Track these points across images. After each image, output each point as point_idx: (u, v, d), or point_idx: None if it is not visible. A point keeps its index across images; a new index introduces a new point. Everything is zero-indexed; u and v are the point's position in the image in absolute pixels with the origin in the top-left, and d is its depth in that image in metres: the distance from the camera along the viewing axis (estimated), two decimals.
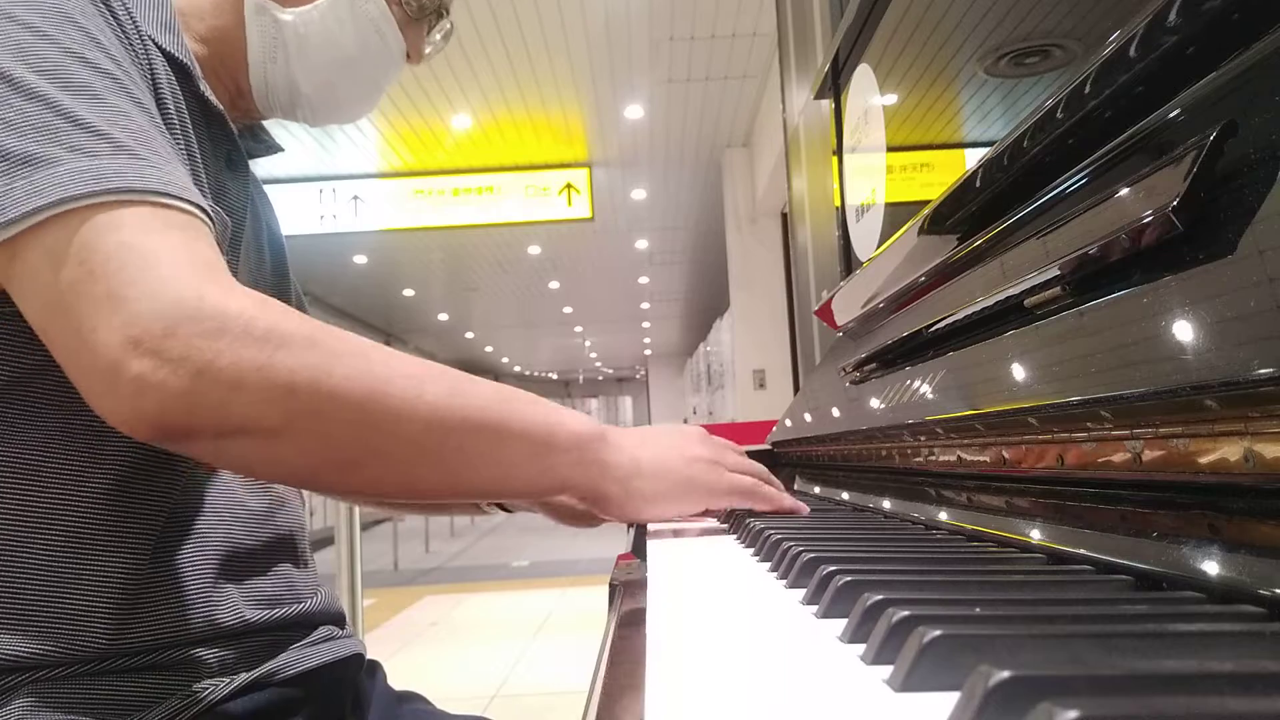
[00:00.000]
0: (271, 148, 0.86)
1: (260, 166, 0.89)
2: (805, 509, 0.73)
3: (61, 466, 0.59)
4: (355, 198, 7.46)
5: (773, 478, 0.74)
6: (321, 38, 0.76)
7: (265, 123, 0.85)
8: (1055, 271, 0.50)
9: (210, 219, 0.58)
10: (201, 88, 0.70)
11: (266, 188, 0.88)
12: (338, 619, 0.79)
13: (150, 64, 0.64)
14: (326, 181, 7.47)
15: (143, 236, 0.52)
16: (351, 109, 0.83)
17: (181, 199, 0.55)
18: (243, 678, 0.64)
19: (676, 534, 0.70)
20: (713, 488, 0.68)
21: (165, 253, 0.52)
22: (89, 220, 0.51)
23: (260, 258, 0.82)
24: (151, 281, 0.50)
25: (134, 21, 0.64)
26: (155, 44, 0.66)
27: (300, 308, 0.92)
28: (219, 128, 0.72)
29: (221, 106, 0.72)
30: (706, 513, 0.75)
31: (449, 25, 0.87)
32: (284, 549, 0.74)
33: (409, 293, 12.72)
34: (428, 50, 0.86)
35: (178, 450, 0.54)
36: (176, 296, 0.50)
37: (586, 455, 0.61)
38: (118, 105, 0.56)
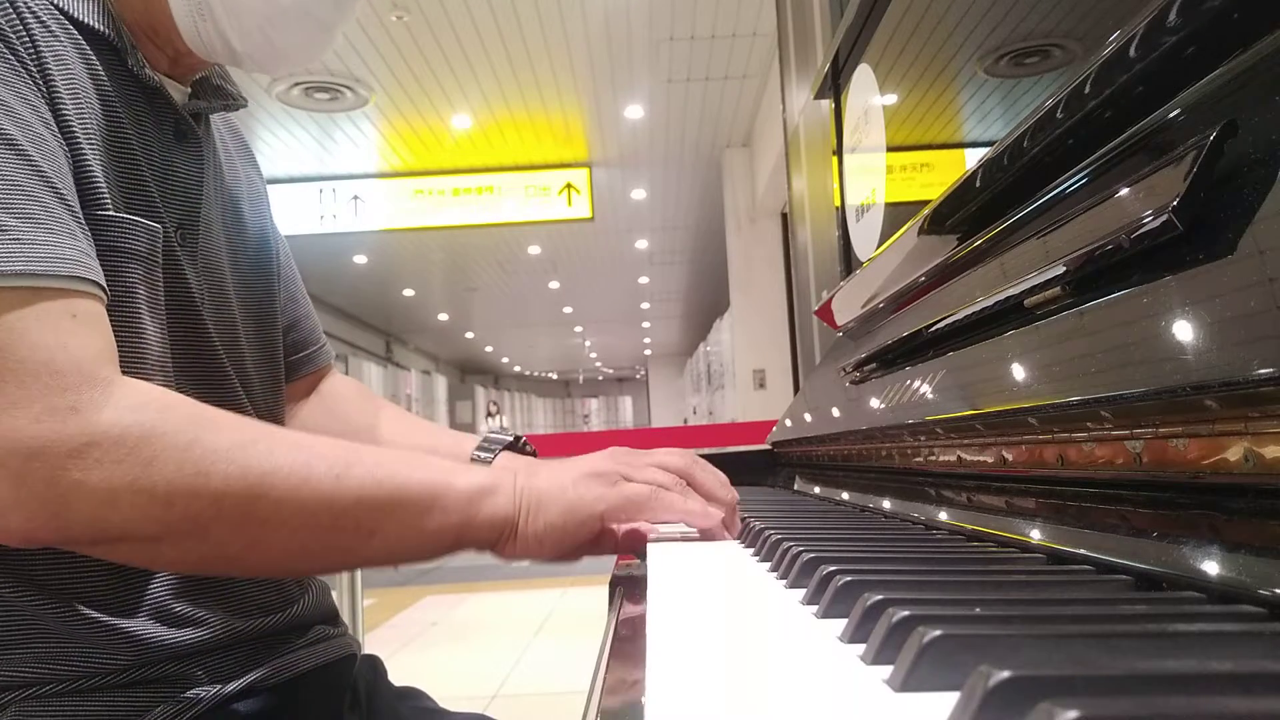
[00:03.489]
0: (231, 105, 0.77)
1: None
2: (718, 517, 0.63)
3: None
4: (355, 198, 7.46)
5: (702, 476, 0.65)
6: None
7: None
8: (1055, 272, 0.50)
9: (99, 288, 0.53)
10: (130, 63, 0.64)
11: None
12: (331, 617, 0.78)
13: (40, 57, 0.57)
14: (326, 181, 7.47)
15: (9, 335, 0.48)
16: (299, 57, 0.73)
17: (56, 275, 0.50)
18: (234, 685, 0.64)
19: (679, 534, 0.70)
20: (603, 500, 0.60)
21: (38, 355, 0.48)
22: None
23: (238, 217, 0.77)
24: (15, 394, 0.47)
25: (20, 10, 0.56)
26: (71, 19, 0.60)
27: (287, 270, 0.87)
28: (160, 99, 0.68)
29: (159, 77, 0.66)
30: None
31: None
32: None
33: (409, 293, 12.72)
34: None
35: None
36: (42, 412, 0.47)
37: (475, 511, 0.59)
38: None
